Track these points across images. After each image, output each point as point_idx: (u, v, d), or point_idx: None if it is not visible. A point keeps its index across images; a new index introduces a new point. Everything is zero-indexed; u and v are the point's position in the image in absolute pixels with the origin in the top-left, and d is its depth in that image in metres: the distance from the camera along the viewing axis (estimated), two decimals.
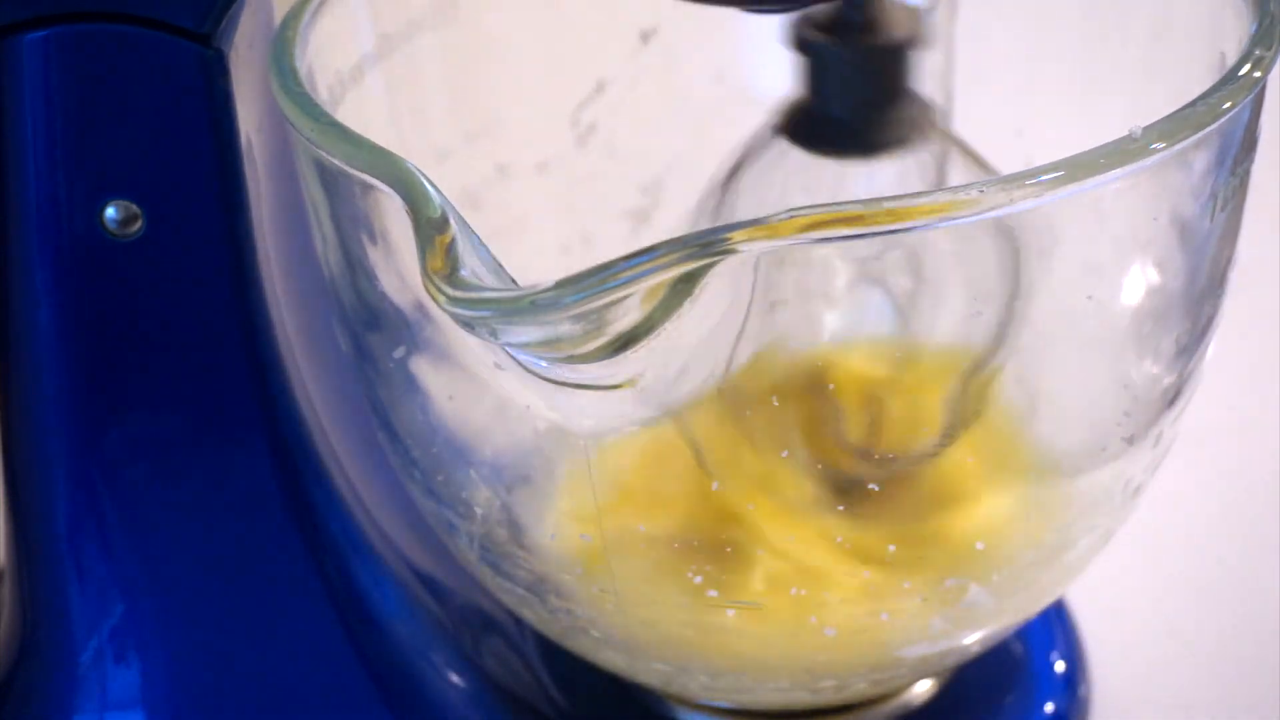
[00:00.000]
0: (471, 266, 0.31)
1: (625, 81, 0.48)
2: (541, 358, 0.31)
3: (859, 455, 0.41)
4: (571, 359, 0.31)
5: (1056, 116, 0.45)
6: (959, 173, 0.44)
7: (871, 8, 0.41)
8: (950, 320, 0.40)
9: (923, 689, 0.45)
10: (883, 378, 0.43)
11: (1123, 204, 0.34)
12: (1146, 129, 0.32)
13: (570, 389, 0.33)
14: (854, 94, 0.42)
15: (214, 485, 0.41)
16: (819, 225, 0.31)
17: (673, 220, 0.48)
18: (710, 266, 0.30)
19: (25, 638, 0.42)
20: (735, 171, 0.44)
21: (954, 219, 0.31)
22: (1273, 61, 0.35)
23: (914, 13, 0.42)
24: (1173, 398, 0.38)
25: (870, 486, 0.40)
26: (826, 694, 0.42)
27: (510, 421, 0.39)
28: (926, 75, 0.48)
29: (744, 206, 0.43)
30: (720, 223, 0.42)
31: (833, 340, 0.43)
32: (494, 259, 0.32)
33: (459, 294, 0.30)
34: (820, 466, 0.40)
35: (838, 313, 0.42)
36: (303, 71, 0.38)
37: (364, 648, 0.43)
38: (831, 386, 0.42)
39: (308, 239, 0.40)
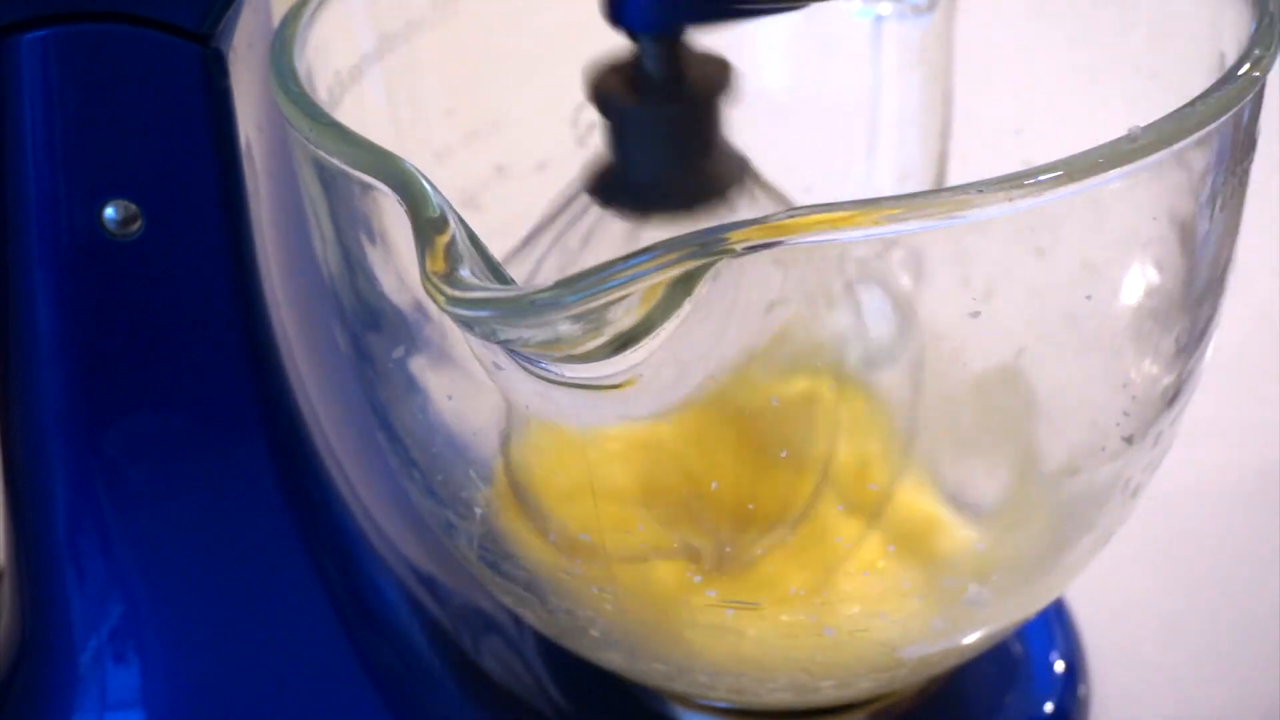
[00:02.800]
0: (470, 267, 0.31)
1: None
2: (541, 358, 0.31)
3: (857, 454, 0.41)
4: (571, 359, 0.31)
5: (1056, 116, 0.45)
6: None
7: (675, 61, 0.40)
8: (950, 320, 0.40)
9: (923, 689, 0.45)
10: (880, 377, 0.43)
11: (1122, 204, 0.34)
12: (1146, 129, 0.32)
13: (569, 389, 0.33)
14: (660, 154, 0.40)
15: (214, 485, 0.41)
16: (818, 225, 0.31)
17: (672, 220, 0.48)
18: (709, 266, 0.30)
19: (25, 638, 0.42)
20: (537, 231, 0.43)
21: (954, 219, 0.31)
22: (1272, 61, 0.35)
23: (722, 62, 0.40)
24: (1172, 397, 0.38)
25: (870, 486, 0.40)
26: (826, 694, 0.42)
27: (509, 421, 0.39)
28: (926, 75, 0.48)
29: (544, 264, 0.43)
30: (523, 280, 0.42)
31: (832, 340, 0.43)
32: (493, 259, 0.32)
33: (458, 294, 0.30)
34: (819, 466, 0.40)
35: (837, 313, 0.42)
36: (302, 71, 0.38)
37: (364, 648, 0.43)
38: (831, 386, 0.42)
39: (308, 239, 0.40)
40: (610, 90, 0.40)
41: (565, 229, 0.42)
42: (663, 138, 0.40)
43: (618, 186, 0.41)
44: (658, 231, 0.41)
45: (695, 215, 0.41)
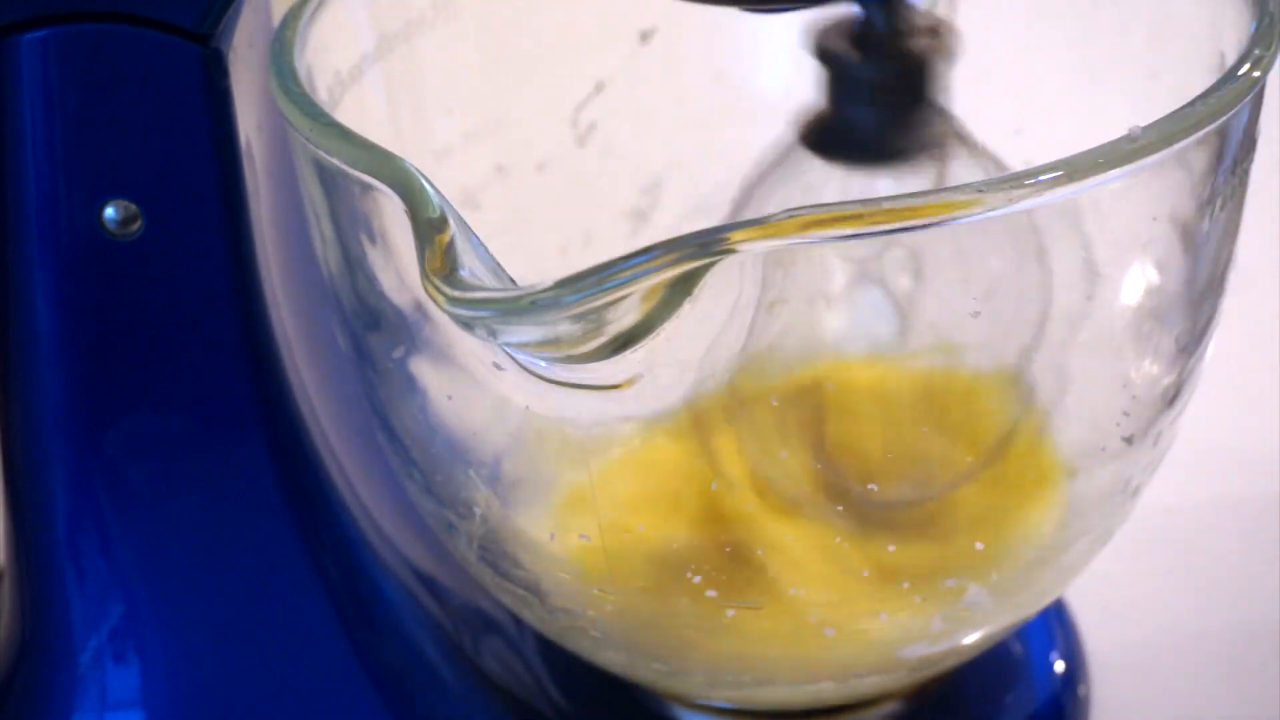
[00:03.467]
0: (470, 266, 0.31)
1: (625, 81, 0.48)
2: (541, 358, 0.31)
3: (856, 455, 0.41)
4: (571, 359, 0.31)
5: (1056, 116, 0.45)
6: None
7: (894, 18, 0.41)
8: (950, 321, 0.40)
9: (923, 689, 0.45)
10: (881, 377, 0.43)
11: (1122, 204, 0.34)
12: (1146, 129, 0.32)
13: (569, 389, 0.33)
14: (877, 104, 0.41)
15: (214, 485, 0.41)
16: (818, 225, 0.31)
17: (672, 220, 0.48)
18: (709, 266, 0.30)
19: (25, 638, 0.42)
20: (752, 185, 0.43)
21: (954, 219, 0.31)
22: (1272, 61, 0.35)
23: (940, 27, 0.41)
24: (1172, 397, 0.38)
25: (869, 486, 0.40)
26: (826, 694, 0.42)
27: (509, 422, 0.39)
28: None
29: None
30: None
31: (833, 340, 0.43)
32: (493, 259, 0.32)
33: (458, 294, 0.30)
34: (819, 466, 0.40)
35: (838, 313, 0.42)
36: (302, 71, 0.38)
37: (364, 648, 0.43)
38: (830, 387, 0.42)
39: (308, 239, 0.40)
40: (831, 43, 0.41)
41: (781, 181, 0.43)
42: (873, 92, 0.41)
43: (830, 135, 0.41)
44: (865, 181, 0.42)
45: (899, 168, 0.41)
